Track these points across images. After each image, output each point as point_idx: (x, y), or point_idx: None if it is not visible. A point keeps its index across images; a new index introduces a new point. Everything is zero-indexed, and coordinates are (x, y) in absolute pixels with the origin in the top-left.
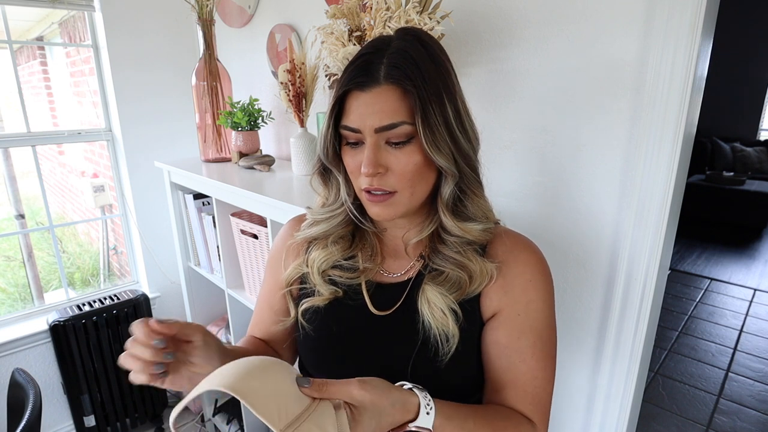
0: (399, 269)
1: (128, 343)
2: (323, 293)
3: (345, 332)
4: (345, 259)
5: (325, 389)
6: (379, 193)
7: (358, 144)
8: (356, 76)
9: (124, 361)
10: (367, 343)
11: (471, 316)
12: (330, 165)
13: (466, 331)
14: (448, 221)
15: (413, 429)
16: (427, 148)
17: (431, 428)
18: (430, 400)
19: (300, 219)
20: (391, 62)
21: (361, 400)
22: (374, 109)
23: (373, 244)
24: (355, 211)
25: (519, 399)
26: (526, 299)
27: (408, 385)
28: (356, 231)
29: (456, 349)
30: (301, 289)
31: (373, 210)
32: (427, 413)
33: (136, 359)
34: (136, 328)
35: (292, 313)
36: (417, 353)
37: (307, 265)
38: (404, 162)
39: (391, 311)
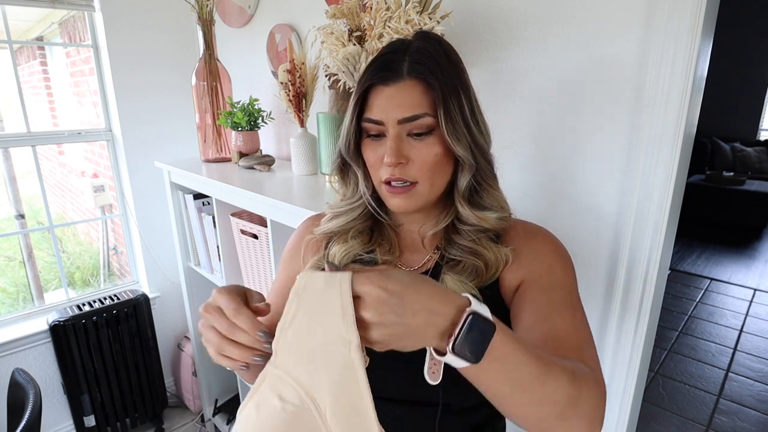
0: (416, 262)
1: (227, 329)
2: None
3: None
4: (365, 253)
5: None
6: (399, 184)
7: (379, 136)
8: (379, 72)
9: (222, 347)
10: None
11: (491, 301)
12: (350, 158)
13: None
14: (465, 211)
15: (469, 313)
16: (448, 138)
17: (490, 318)
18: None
19: (318, 216)
20: (414, 59)
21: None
22: (397, 102)
23: (391, 239)
24: (373, 203)
25: (564, 350)
26: (546, 264)
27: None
28: (375, 226)
29: None
30: None
31: (393, 201)
32: (480, 303)
33: (237, 346)
34: (242, 318)
35: None
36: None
37: (327, 260)
38: (425, 153)
39: None
